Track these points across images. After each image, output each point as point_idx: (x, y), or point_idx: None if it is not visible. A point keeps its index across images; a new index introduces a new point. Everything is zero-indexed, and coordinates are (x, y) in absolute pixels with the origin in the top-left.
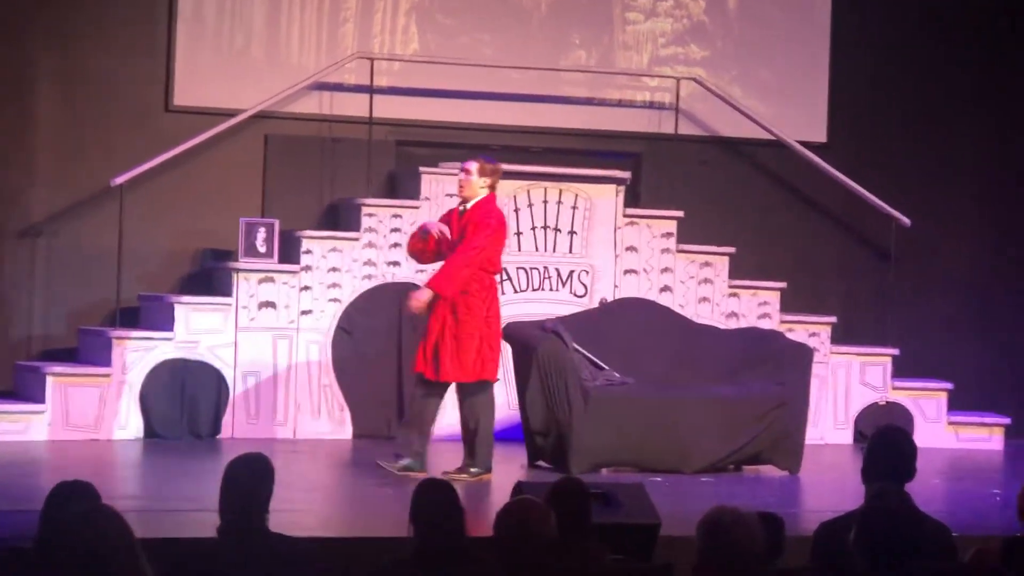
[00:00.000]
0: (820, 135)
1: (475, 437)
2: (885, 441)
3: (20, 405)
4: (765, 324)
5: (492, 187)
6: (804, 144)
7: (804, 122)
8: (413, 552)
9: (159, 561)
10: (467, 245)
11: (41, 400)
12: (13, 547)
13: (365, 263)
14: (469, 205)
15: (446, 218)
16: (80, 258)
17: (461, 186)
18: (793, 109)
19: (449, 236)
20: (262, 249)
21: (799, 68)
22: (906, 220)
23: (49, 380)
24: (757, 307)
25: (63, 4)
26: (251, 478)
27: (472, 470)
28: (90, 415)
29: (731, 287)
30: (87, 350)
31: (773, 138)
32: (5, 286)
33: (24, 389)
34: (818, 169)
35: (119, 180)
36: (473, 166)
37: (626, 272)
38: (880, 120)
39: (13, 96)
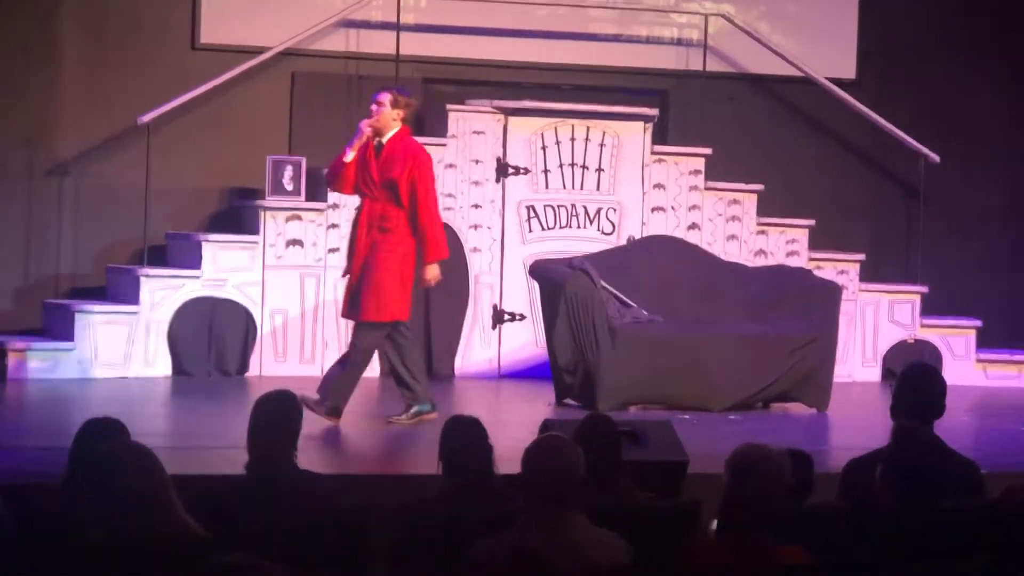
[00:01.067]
0: (849, 72)
1: (406, 374)
2: (914, 379)
3: (49, 343)
4: (793, 262)
5: (405, 120)
6: (833, 81)
7: (833, 59)
8: (441, 489)
9: (188, 498)
10: (425, 200)
11: (70, 338)
12: (44, 484)
13: None
14: (385, 139)
15: (358, 152)
16: (107, 197)
17: (371, 115)
18: (822, 46)
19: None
20: (289, 187)
21: (828, 4)
22: (935, 157)
23: (78, 318)
24: (785, 245)
25: None
26: (279, 415)
27: (413, 409)
28: (119, 353)
29: (759, 225)
30: (115, 288)
31: (801, 75)
32: (34, 225)
33: (53, 327)
34: (847, 106)
35: (146, 118)
36: (386, 97)
37: (654, 210)
38: (909, 56)
39: (38, 35)
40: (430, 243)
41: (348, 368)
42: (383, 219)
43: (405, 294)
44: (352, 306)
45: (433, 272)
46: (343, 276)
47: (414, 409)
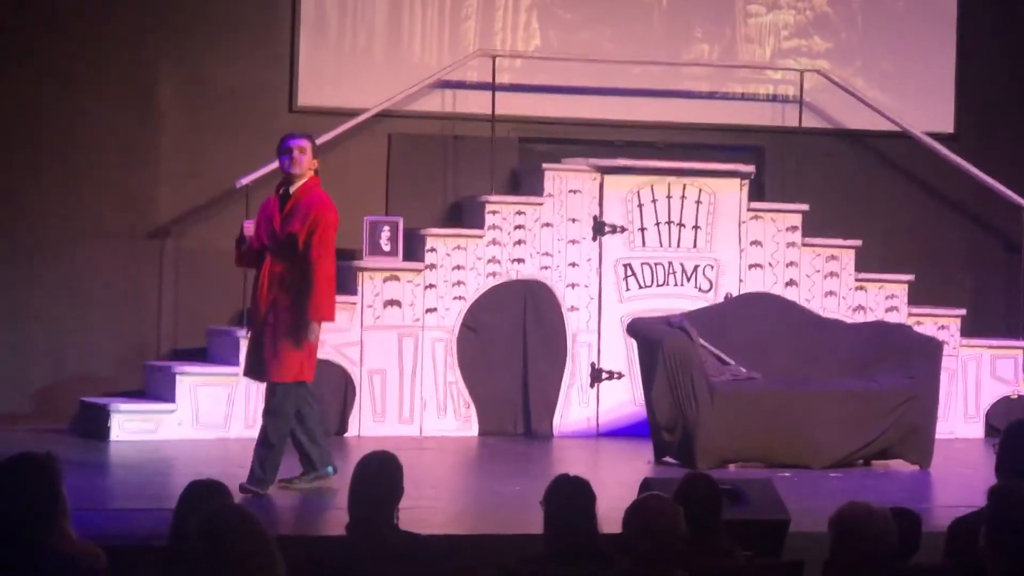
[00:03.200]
0: (947, 125)
1: (273, 448)
2: (1018, 435)
3: (151, 404)
4: (893, 317)
5: (316, 170)
6: (930, 135)
7: (930, 113)
8: (545, 549)
9: (289, 559)
10: (318, 256)
11: (171, 399)
12: (148, 545)
13: (489, 260)
14: (293, 188)
15: (266, 201)
16: (207, 258)
17: (294, 163)
18: (918, 100)
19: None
20: (386, 247)
21: (924, 58)
22: None
23: (179, 379)
24: (884, 300)
25: (187, 7)
26: (381, 477)
27: (311, 475)
28: (219, 414)
29: (858, 280)
30: (216, 349)
31: (899, 129)
32: (134, 287)
33: (155, 388)
34: (945, 160)
35: (244, 181)
36: (306, 144)
37: (751, 266)
38: (1007, 109)
39: (139, 99)
40: (314, 300)
41: (307, 432)
42: (284, 275)
43: (310, 356)
44: (254, 367)
45: (314, 331)
46: (245, 335)
47: (312, 475)
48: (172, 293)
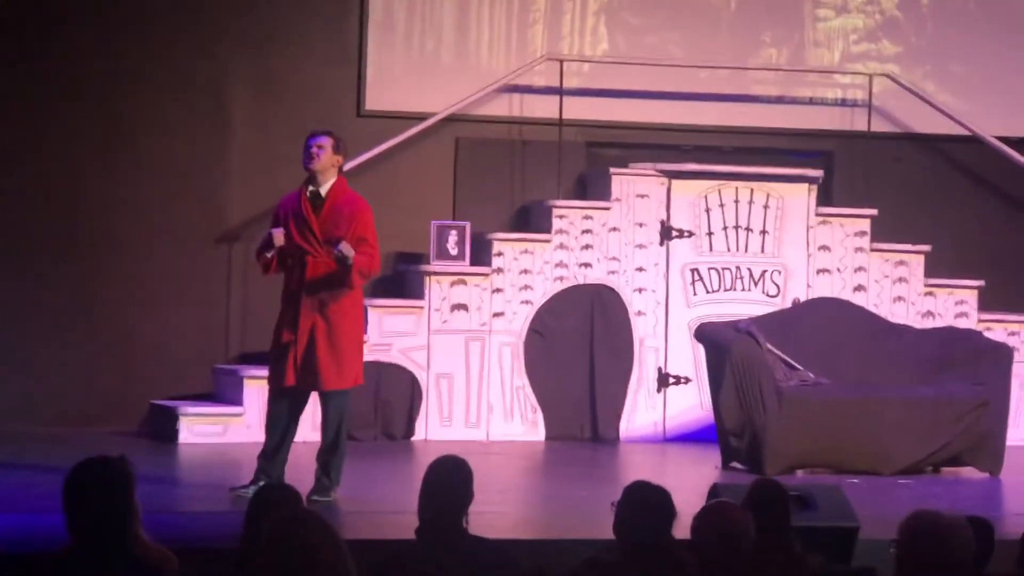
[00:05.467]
0: (1019, 129)
1: (336, 452)
2: None
3: (219, 407)
4: (962, 323)
5: (341, 169)
6: (1001, 139)
7: (1001, 116)
8: (617, 553)
9: (360, 562)
10: (371, 259)
11: (239, 403)
12: (218, 548)
13: (556, 264)
14: (324, 189)
15: (288, 201)
16: None
17: (312, 158)
18: (989, 103)
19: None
20: (454, 252)
21: (996, 61)
22: None
23: (247, 383)
24: (954, 306)
25: (256, 12)
26: (452, 481)
27: (333, 491)
28: None
29: (927, 286)
30: None
31: (968, 134)
32: (203, 290)
33: (222, 392)
34: (1016, 164)
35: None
36: (327, 141)
37: (819, 271)
38: None
39: (209, 103)
40: (361, 265)
41: (340, 444)
42: (329, 278)
43: (361, 357)
44: (307, 374)
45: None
46: (285, 342)
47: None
48: (241, 296)
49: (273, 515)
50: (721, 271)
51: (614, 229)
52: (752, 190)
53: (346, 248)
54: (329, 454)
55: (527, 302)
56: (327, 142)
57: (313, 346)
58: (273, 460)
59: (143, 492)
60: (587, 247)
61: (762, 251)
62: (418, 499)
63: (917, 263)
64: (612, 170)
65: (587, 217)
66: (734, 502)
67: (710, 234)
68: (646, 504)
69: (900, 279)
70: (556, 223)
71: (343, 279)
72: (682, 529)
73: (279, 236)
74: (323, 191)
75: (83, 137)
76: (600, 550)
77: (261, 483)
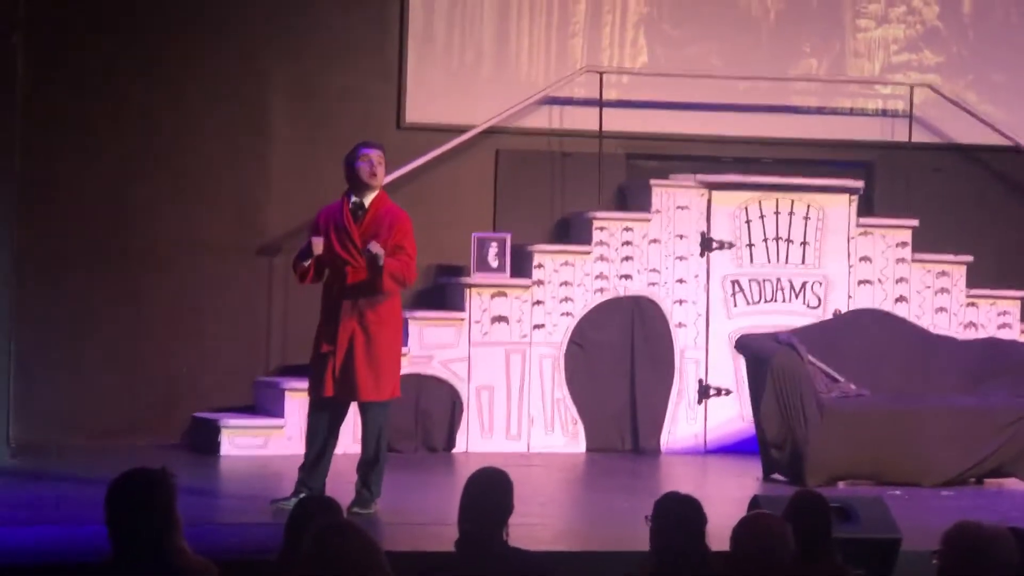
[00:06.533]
0: None
1: (376, 464)
2: None
3: (260, 420)
4: (1005, 334)
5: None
6: None
7: None
8: (651, 566)
9: (399, 574)
10: (407, 266)
11: (280, 415)
12: (258, 560)
13: (597, 276)
14: (368, 200)
15: (329, 212)
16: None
17: (375, 175)
18: None
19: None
20: (494, 264)
21: None
22: None
23: (288, 396)
24: (996, 317)
25: (297, 23)
26: (492, 493)
27: (373, 504)
28: None
29: (969, 296)
30: None
31: (1011, 144)
32: (245, 302)
33: (264, 404)
34: None
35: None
36: (383, 156)
37: (860, 283)
38: None
39: (250, 115)
40: (395, 269)
41: (381, 457)
42: (370, 289)
43: (399, 369)
44: (345, 385)
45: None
46: (324, 352)
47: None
48: (281, 309)
49: (313, 526)
50: (762, 282)
51: (654, 241)
52: (792, 201)
53: (375, 247)
54: (369, 466)
55: (567, 314)
56: (383, 157)
57: (352, 357)
58: (314, 472)
59: (184, 503)
60: (627, 259)
61: (803, 262)
62: (458, 511)
63: (959, 274)
64: (652, 181)
65: (627, 229)
66: (774, 514)
67: (750, 245)
68: (675, 514)
69: (942, 290)
70: (596, 235)
71: (376, 283)
72: (723, 541)
73: (318, 245)
74: (366, 202)
75: (124, 149)
76: (636, 566)
77: (302, 495)
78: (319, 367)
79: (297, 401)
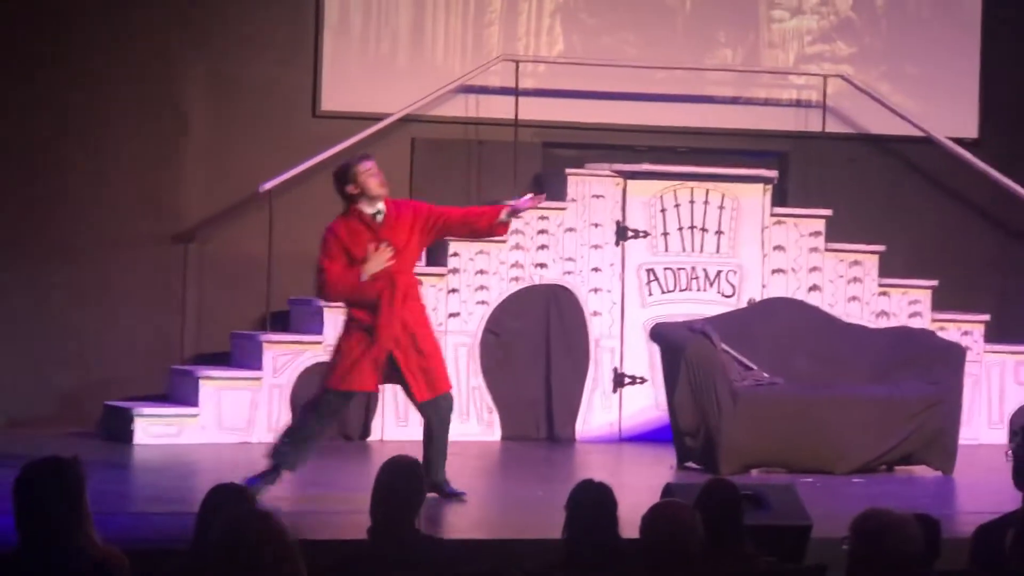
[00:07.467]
0: (971, 131)
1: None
2: None
3: (174, 408)
4: (916, 323)
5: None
6: (955, 140)
7: (954, 118)
8: (566, 554)
9: (311, 563)
10: (448, 208)
11: (194, 403)
12: (170, 549)
13: (512, 265)
14: (383, 208)
15: (345, 231)
16: (231, 263)
17: (384, 183)
18: (943, 105)
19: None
20: None
21: (948, 63)
22: None
23: (202, 384)
24: (908, 306)
25: (210, 12)
26: (403, 481)
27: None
28: (242, 418)
29: (881, 286)
30: (239, 354)
31: (922, 135)
32: (159, 291)
33: (178, 393)
34: (969, 165)
35: (267, 186)
36: (375, 162)
37: (774, 272)
38: None
39: (164, 103)
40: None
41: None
42: (409, 287)
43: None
44: (428, 383)
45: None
46: (383, 354)
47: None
48: (196, 297)
49: (224, 515)
50: (676, 271)
51: (570, 229)
52: (707, 190)
53: (506, 212)
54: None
55: (483, 302)
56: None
57: (409, 357)
58: (311, 447)
59: (96, 493)
60: (543, 247)
61: (717, 251)
62: (371, 500)
63: (871, 263)
64: (568, 170)
65: (543, 218)
66: (684, 501)
67: (665, 234)
68: (589, 502)
69: (854, 279)
70: (512, 223)
71: (416, 286)
72: (636, 529)
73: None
74: (381, 207)
75: (37, 139)
76: (549, 553)
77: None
78: (362, 360)
79: (212, 389)
